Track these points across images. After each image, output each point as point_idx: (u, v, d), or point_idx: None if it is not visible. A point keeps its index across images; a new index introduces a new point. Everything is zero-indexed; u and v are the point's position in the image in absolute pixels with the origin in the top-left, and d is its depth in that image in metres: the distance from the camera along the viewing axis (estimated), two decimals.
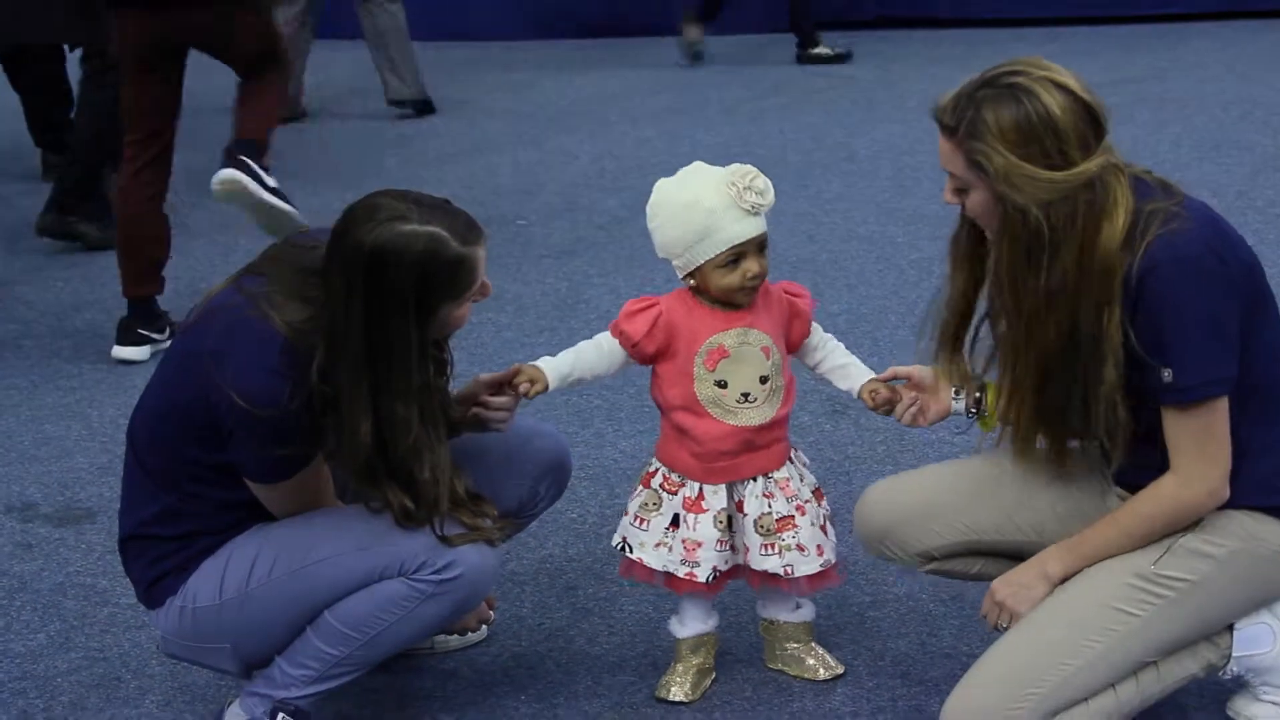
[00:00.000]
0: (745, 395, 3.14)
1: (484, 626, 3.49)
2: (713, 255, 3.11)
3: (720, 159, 3.19)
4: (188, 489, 3.00)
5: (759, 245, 3.12)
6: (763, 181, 3.11)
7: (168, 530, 3.03)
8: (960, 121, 2.77)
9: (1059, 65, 2.80)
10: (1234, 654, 2.96)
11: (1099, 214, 2.73)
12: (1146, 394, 2.79)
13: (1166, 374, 2.73)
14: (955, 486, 3.19)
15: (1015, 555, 3.10)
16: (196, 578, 3.03)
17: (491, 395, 3.17)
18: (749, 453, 3.17)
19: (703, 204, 3.09)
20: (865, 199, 6.85)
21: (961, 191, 2.86)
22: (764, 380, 3.15)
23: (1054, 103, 2.71)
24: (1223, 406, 2.77)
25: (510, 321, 5.52)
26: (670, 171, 3.19)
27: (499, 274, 4.87)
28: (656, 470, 3.26)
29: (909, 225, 6.39)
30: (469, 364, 4.98)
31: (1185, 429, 2.79)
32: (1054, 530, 3.07)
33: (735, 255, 3.10)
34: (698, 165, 3.19)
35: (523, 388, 3.11)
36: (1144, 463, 2.85)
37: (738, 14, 10.29)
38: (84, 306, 6.15)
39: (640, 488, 3.28)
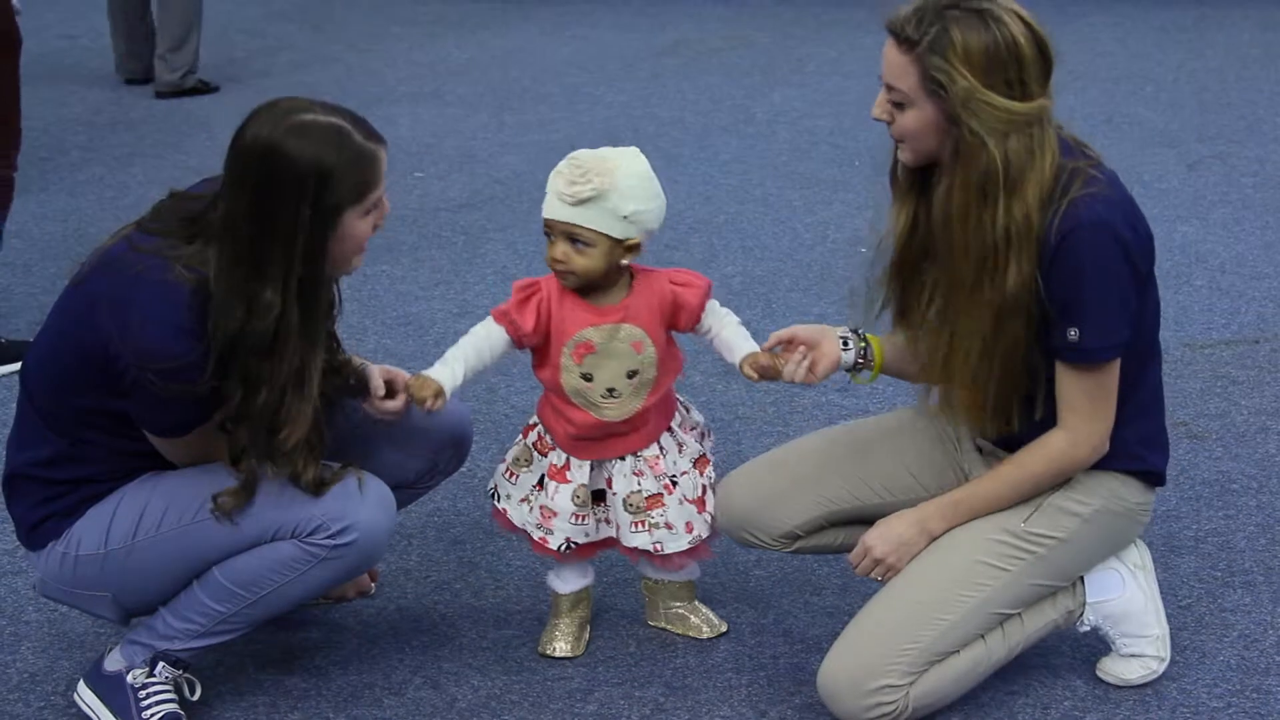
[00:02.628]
0: (610, 390, 3.09)
1: (361, 597, 3.46)
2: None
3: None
4: (80, 435, 2.92)
5: (564, 233, 3.04)
6: (580, 173, 3.03)
7: (56, 474, 2.95)
8: (923, 36, 2.70)
9: None
10: (1088, 600, 3.03)
11: (1042, 155, 2.74)
12: (1042, 351, 2.82)
13: (1073, 333, 2.75)
14: (807, 461, 3.20)
15: (876, 519, 3.10)
16: (82, 523, 2.97)
17: (384, 397, 3.11)
18: (617, 438, 3.14)
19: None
20: (763, 162, 6.85)
21: (898, 107, 2.80)
22: (631, 375, 3.09)
23: (1020, 33, 2.70)
24: (1116, 367, 2.82)
25: (405, 274, 5.48)
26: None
27: (395, 225, 4.84)
28: (535, 425, 3.24)
29: (806, 189, 6.41)
30: (363, 316, 4.96)
31: (1082, 387, 2.82)
32: (906, 485, 3.13)
33: (548, 230, 3.07)
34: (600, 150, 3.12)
35: (428, 405, 3.01)
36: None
37: None
38: None
39: (520, 438, 3.28)
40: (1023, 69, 2.69)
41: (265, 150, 2.73)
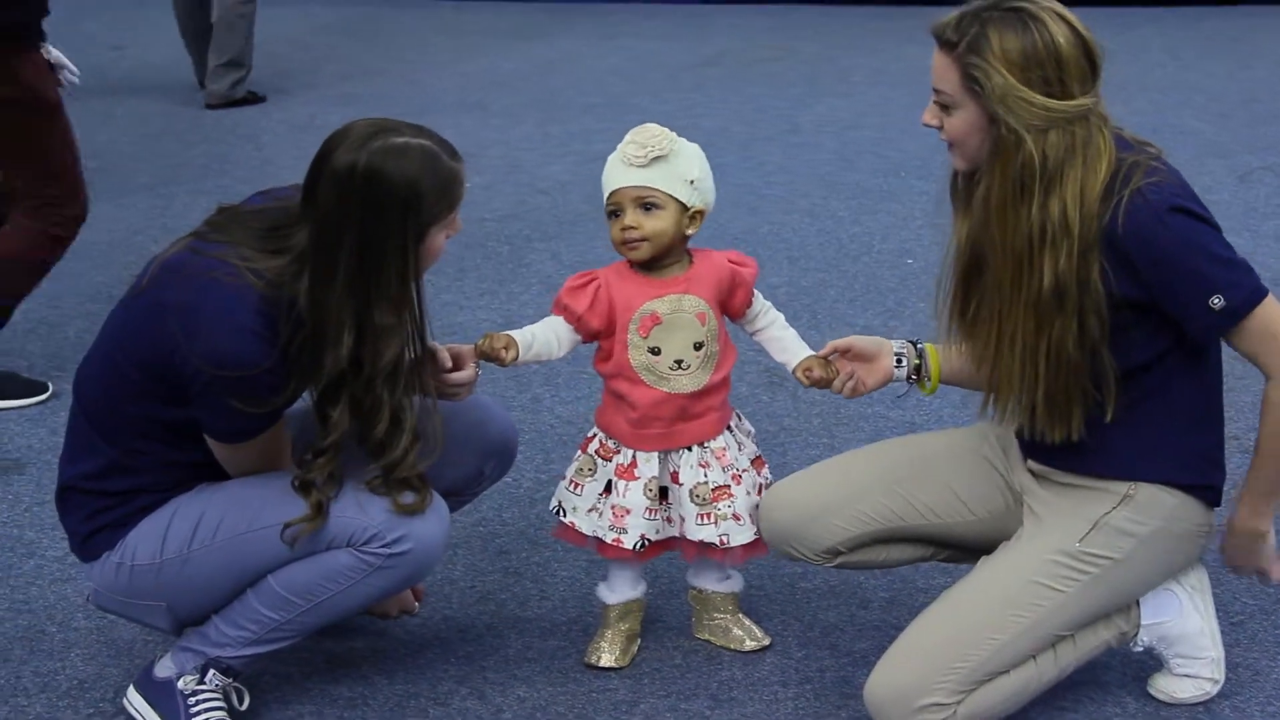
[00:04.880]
0: (679, 362, 3.11)
1: (404, 615, 3.46)
2: (606, 206, 3.13)
3: (665, 128, 3.17)
4: (134, 445, 2.92)
5: (636, 200, 3.08)
6: (649, 136, 3.09)
7: (109, 485, 2.95)
8: (962, 37, 2.74)
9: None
10: (1143, 622, 3.00)
11: (1090, 153, 2.73)
12: (1158, 341, 2.83)
13: (1215, 300, 2.71)
14: (851, 477, 3.18)
15: (919, 539, 3.12)
16: (136, 534, 2.97)
17: (452, 368, 3.12)
18: (684, 421, 3.15)
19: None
20: (808, 172, 6.85)
21: (946, 110, 2.82)
22: (698, 347, 3.12)
23: (1059, 33, 2.71)
24: (1273, 300, 2.78)
25: (450, 284, 5.49)
26: (613, 140, 3.17)
27: None
28: (594, 436, 3.24)
29: (851, 199, 6.40)
30: None
31: (1254, 336, 2.78)
32: (952, 507, 3.11)
33: (614, 207, 3.09)
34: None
35: (501, 356, 3.06)
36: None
37: None
38: None
39: (579, 453, 3.26)
40: (1062, 68, 2.71)
41: (365, 175, 2.76)
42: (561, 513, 3.24)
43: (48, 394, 4.73)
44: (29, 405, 4.68)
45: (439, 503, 2.98)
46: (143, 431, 2.93)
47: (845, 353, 3.16)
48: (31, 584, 3.68)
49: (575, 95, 8.48)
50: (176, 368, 2.80)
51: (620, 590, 3.27)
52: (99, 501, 2.99)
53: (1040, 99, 2.69)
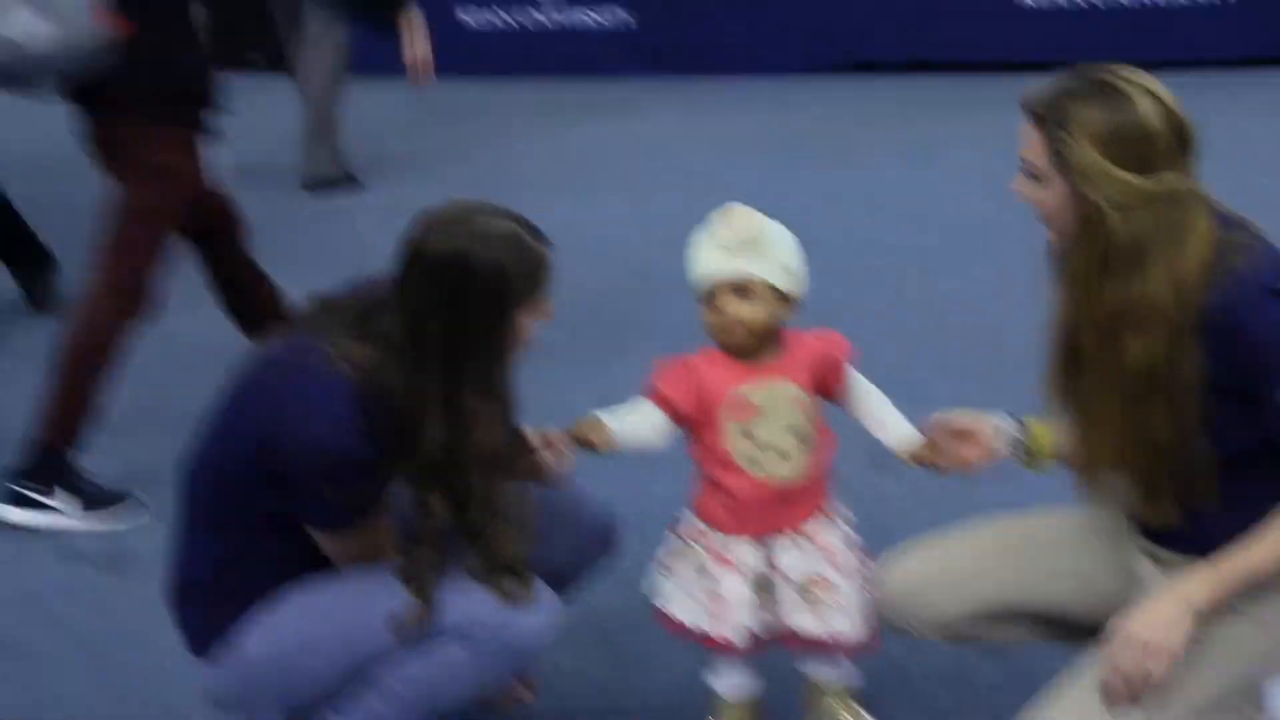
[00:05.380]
0: (775, 449, 3.11)
1: (517, 704, 3.44)
2: (698, 293, 3.12)
3: (756, 203, 3.18)
4: (242, 539, 2.99)
5: (729, 285, 3.07)
6: (741, 220, 3.09)
7: (220, 581, 3.02)
8: (1049, 111, 2.74)
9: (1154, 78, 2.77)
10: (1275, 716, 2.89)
11: (1182, 233, 2.69)
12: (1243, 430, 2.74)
13: None
14: (965, 552, 3.16)
15: (1034, 616, 3.09)
16: (248, 628, 3.01)
17: (545, 454, 3.13)
18: (781, 508, 3.14)
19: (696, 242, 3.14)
20: (905, 245, 6.90)
21: (1035, 180, 2.81)
22: (795, 433, 3.11)
23: (1148, 110, 2.69)
24: None
25: (543, 368, 5.41)
26: (705, 215, 3.18)
27: None
28: (689, 521, 3.24)
29: (943, 271, 6.43)
30: None
31: None
32: (1070, 586, 3.07)
33: (708, 293, 3.08)
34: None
35: (596, 440, 3.10)
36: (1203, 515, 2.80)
37: (780, 55, 10.25)
38: None
39: (673, 538, 3.26)
40: (1150, 145, 2.69)
41: (452, 260, 2.81)
42: (657, 598, 3.24)
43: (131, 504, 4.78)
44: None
45: (543, 590, 2.99)
46: (249, 525, 2.99)
47: (946, 429, 3.15)
48: (145, 679, 3.74)
49: (664, 171, 8.50)
50: (276, 459, 2.85)
51: (730, 680, 3.25)
52: (210, 596, 3.06)
53: (1126, 176, 2.68)
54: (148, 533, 4.48)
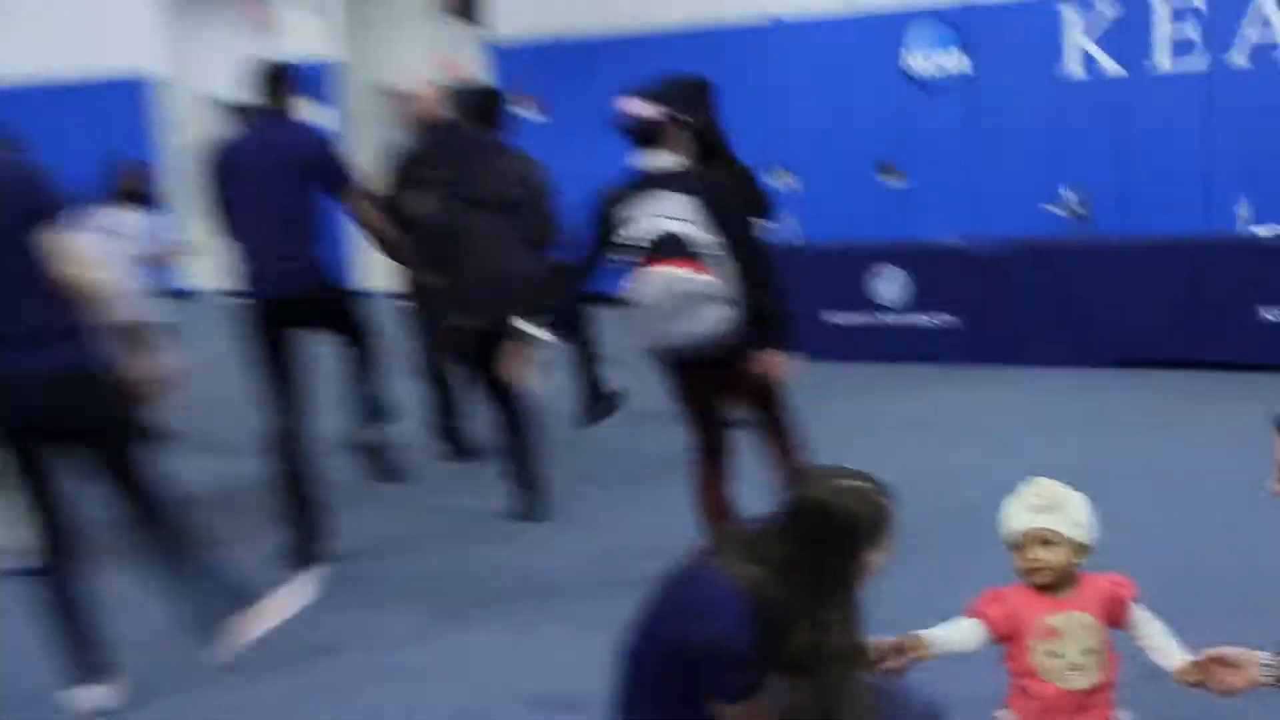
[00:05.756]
0: (1073, 665, 3.12)
1: None
2: (1010, 541, 3.20)
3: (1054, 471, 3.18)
4: (664, 705, 3.12)
5: (1038, 538, 3.11)
6: (1046, 489, 3.15)
7: None
8: None
9: None
10: None
11: None
12: None
13: None
14: None
15: None
16: None
17: (886, 657, 3.17)
18: (1078, 713, 3.12)
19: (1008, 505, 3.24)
20: (1177, 516, 6.63)
21: None
22: (1088, 653, 3.11)
23: None
24: None
25: (887, 588, 5.44)
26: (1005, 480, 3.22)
27: None
28: (1004, 717, 3.22)
29: (1210, 537, 6.18)
30: None
31: None
32: None
33: (1018, 542, 3.17)
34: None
35: (921, 653, 3.11)
36: None
37: (1071, 351, 10.13)
38: None
39: None
40: None
41: (822, 509, 2.92)
42: None
43: None
44: None
45: None
46: (667, 697, 3.08)
47: (1218, 659, 3.07)
48: None
49: (976, 434, 8.45)
50: (690, 651, 2.93)
51: None
52: None
53: None
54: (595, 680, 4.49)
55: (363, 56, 17.84)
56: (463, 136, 7.00)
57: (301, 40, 17.86)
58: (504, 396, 6.77)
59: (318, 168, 6.12)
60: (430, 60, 17.01)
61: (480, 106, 7.09)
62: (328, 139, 6.36)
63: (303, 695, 4.83)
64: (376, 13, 17.98)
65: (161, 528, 4.68)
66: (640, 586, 3.26)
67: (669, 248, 4.85)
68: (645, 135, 5.13)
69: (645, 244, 4.91)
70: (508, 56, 16.28)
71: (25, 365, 4.34)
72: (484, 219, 6.65)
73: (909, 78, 14.16)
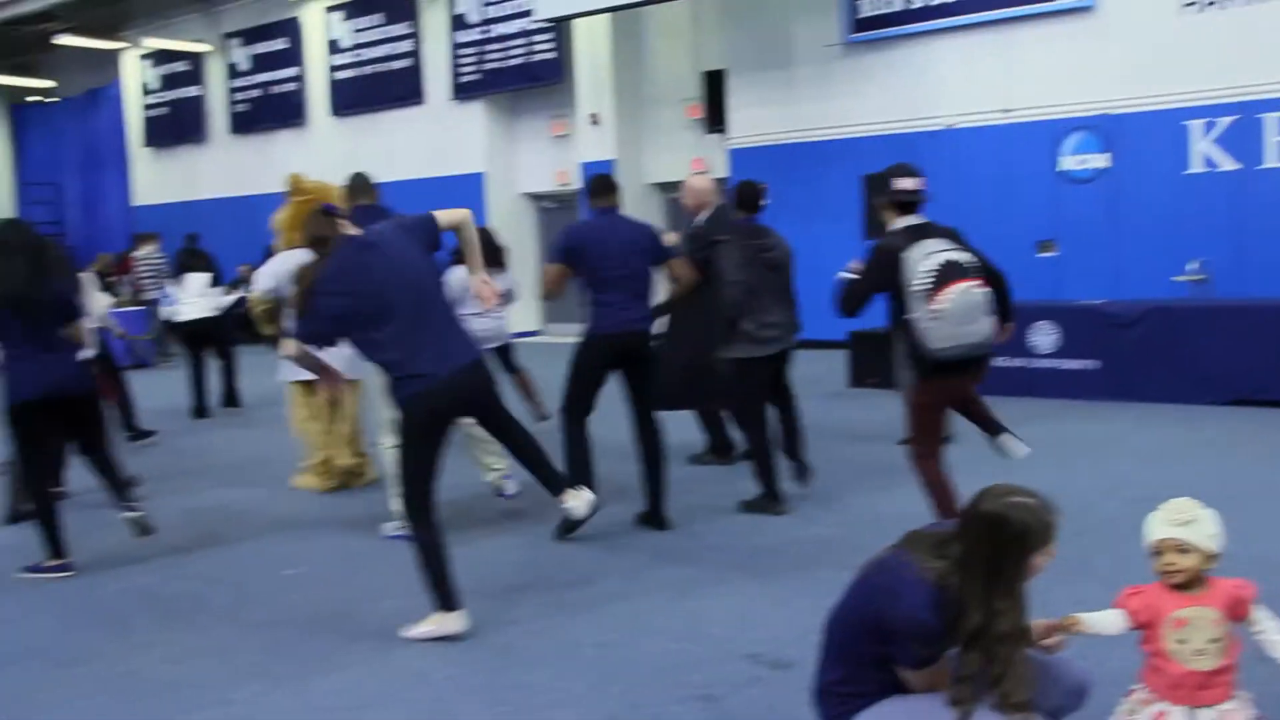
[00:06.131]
0: (1198, 651, 2.97)
1: None
2: (1150, 547, 3.08)
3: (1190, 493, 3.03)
4: (857, 667, 3.06)
5: (1175, 546, 3.01)
6: (1185, 506, 3.03)
7: (843, 689, 3.12)
8: None
9: None
10: None
11: None
12: None
13: None
14: None
15: None
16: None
17: (1045, 635, 3.06)
18: (1204, 689, 2.96)
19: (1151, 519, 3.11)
20: None
21: None
22: (1212, 641, 2.95)
23: None
24: None
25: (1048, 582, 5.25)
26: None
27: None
28: (1136, 689, 3.09)
29: None
30: None
31: None
32: None
33: (1158, 549, 3.04)
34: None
35: (1075, 630, 3.02)
36: None
37: (1192, 390, 9.64)
38: None
39: (1124, 699, 3.20)
40: None
41: (996, 519, 2.85)
42: None
43: None
44: None
45: None
46: (861, 660, 3.03)
47: None
48: None
49: (1116, 457, 8.05)
50: (882, 625, 2.88)
51: None
52: (835, 699, 3.16)
53: None
54: (802, 648, 4.41)
55: (633, 158, 18.17)
56: (730, 217, 7.29)
57: (587, 147, 18.30)
58: (788, 408, 7.27)
59: (654, 248, 6.61)
60: (690, 162, 17.22)
61: (750, 196, 7.27)
62: (656, 228, 6.81)
63: (586, 627, 4.90)
64: (643, 125, 18.29)
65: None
66: (850, 568, 3.23)
67: (954, 271, 5.12)
68: (910, 202, 5.50)
69: (935, 272, 5.11)
70: (741, 156, 16.38)
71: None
72: (775, 276, 7.02)
73: (1061, 172, 13.81)
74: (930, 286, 5.09)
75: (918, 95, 14.87)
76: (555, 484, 5.07)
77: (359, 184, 7.61)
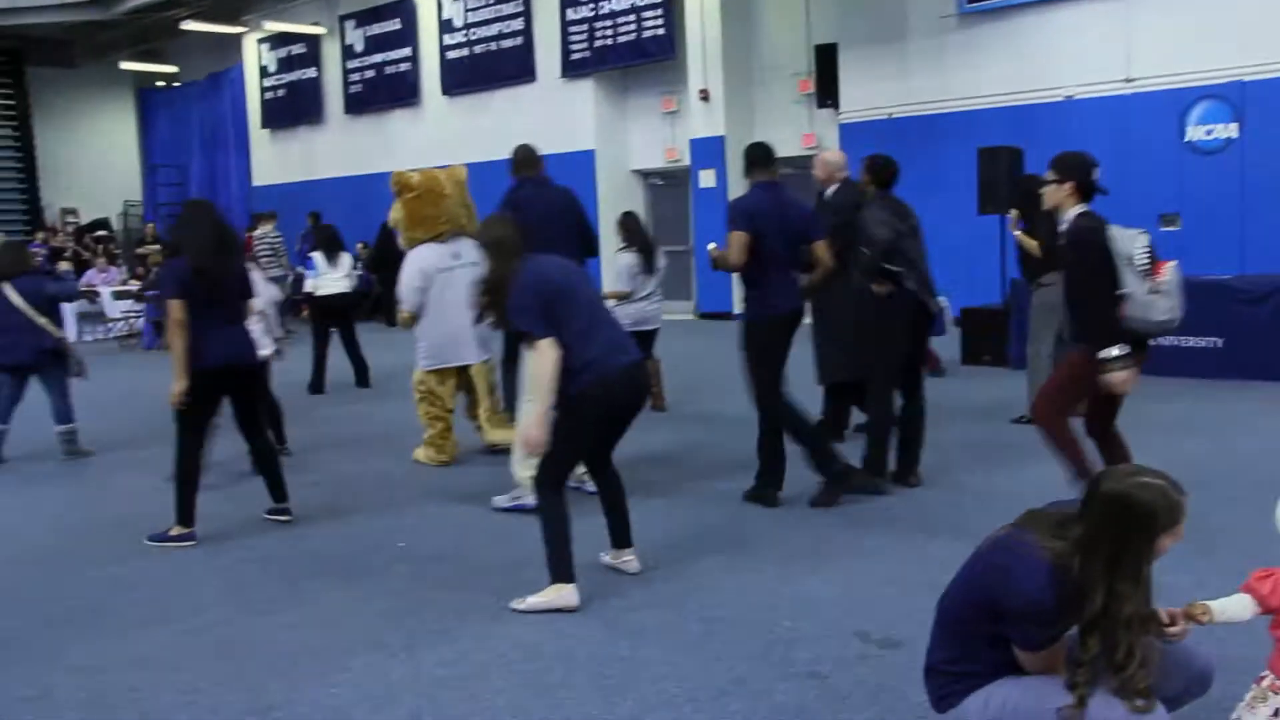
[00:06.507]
0: None
1: None
2: None
3: None
4: (968, 647, 3.03)
5: None
6: None
7: (953, 669, 3.08)
8: None
9: None
10: None
11: None
12: None
13: None
14: None
15: None
16: (969, 701, 3.06)
17: (1170, 623, 2.96)
18: None
19: None
20: None
21: None
22: None
23: None
24: None
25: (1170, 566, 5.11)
26: None
27: None
28: (1266, 676, 2.98)
29: None
30: None
31: None
32: None
33: None
34: None
35: (1204, 619, 2.91)
36: None
37: None
38: None
39: (1254, 685, 3.10)
40: None
41: (1120, 499, 2.78)
42: None
43: None
44: None
45: (1160, 710, 2.88)
46: (973, 639, 2.98)
47: None
48: None
49: (1239, 434, 7.74)
50: (998, 605, 2.82)
51: None
52: (946, 679, 3.10)
53: None
54: (911, 627, 4.38)
55: (743, 134, 18.06)
56: (855, 194, 7.32)
57: (697, 123, 18.23)
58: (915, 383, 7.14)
59: (812, 227, 6.63)
60: (801, 137, 17.04)
61: (887, 170, 7.22)
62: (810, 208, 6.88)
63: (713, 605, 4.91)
64: (754, 100, 18.15)
65: None
66: (962, 546, 3.17)
67: (1156, 255, 5.26)
68: (1094, 189, 5.47)
69: (1148, 250, 5.20)
70: (852, 131, 16.15)
71: None
72: (916, 243, 7.05)
73: (1187, 143, 13.34)
74: (1148, 264, 5.20)
75: (1035, 66, 14.50)
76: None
77: (526, 156, 7.64)
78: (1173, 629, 2.99)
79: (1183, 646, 3.08)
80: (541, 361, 4.81)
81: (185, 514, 6.40)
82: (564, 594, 4.93)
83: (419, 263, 8.00)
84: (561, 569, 4.94)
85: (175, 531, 6.39)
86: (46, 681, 4.43)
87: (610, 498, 5.34)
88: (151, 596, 5.47)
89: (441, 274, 7.98)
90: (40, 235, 23.51)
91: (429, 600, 5.19)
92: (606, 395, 4.91)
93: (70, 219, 27.75)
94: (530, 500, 6.40)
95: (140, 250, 24.27)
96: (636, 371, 5.04)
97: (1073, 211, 5.40)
